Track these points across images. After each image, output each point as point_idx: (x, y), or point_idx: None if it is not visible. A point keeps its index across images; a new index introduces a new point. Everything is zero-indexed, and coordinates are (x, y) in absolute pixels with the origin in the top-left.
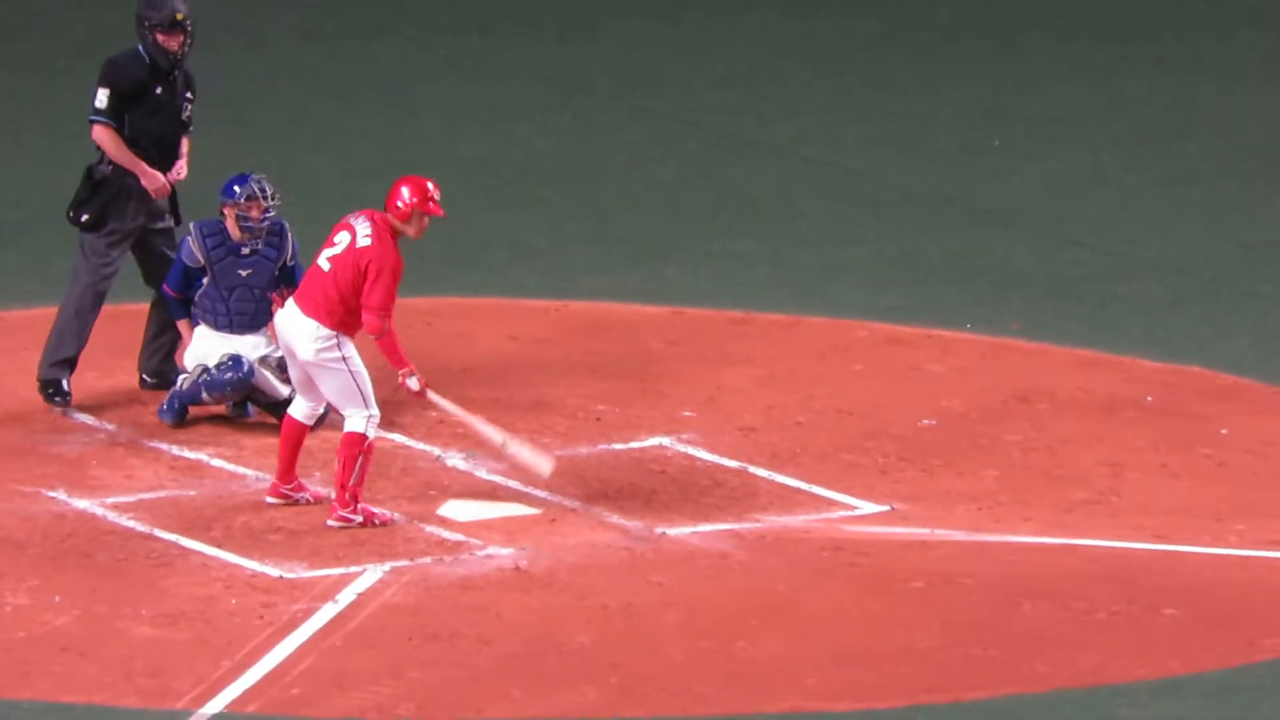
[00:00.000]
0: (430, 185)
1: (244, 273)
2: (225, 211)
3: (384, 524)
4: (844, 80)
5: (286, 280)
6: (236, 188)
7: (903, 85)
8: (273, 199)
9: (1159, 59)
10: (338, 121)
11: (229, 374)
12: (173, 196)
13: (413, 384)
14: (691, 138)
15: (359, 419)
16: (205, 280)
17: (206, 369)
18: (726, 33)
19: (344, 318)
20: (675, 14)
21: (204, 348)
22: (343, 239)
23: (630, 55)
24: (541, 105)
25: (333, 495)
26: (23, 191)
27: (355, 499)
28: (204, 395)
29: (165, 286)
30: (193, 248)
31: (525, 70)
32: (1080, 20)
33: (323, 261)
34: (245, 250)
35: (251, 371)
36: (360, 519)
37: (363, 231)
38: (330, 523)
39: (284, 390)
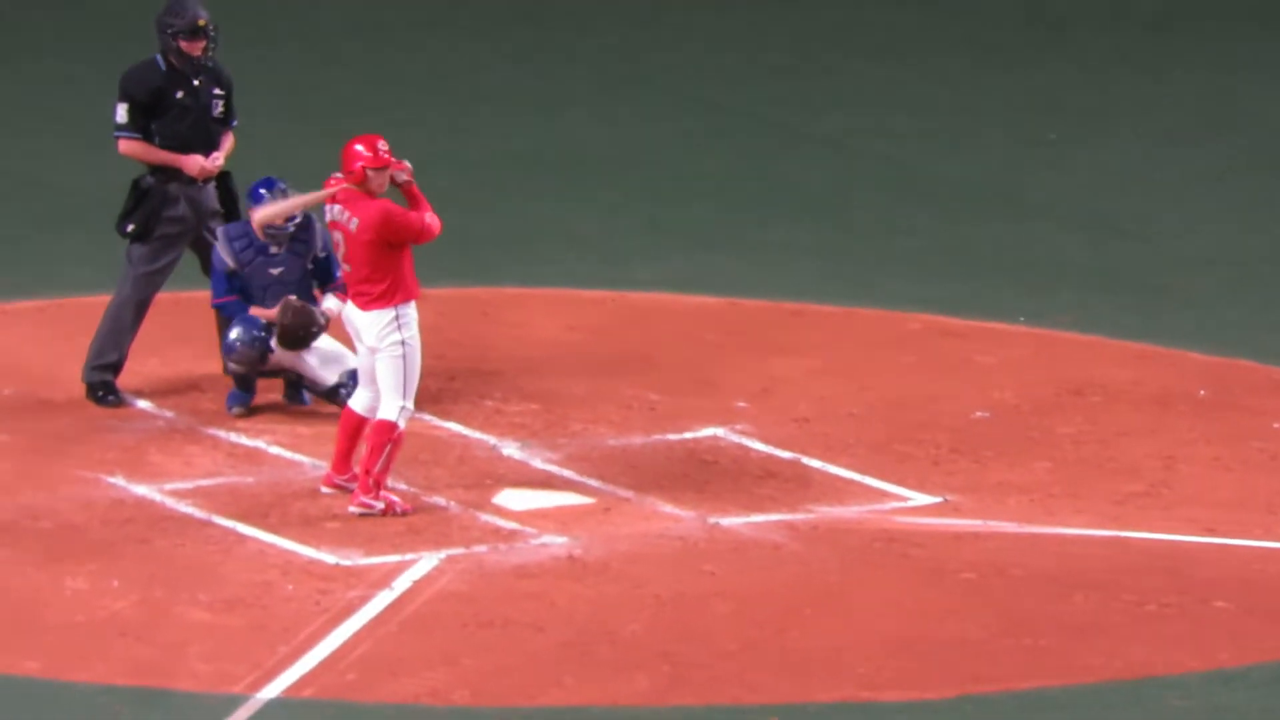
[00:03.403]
0: (380, 142)
1: (275, 271)
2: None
3: (405, 513)
4: (896, 72)
5: (322, 273)
6: (263, 191)
7: (955, 77)
8: None
9: (1208, 53)
10: (389, 113)
11: (239, 336)
12: (227, 192)
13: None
14: (744, 129)
15: (393, 408)
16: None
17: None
18: (779, 24)
19: (390, 290)
20: (728, 5)
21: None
22: (340, 238)
23: (683, 46)
24: (594, 96)
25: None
26: (80, 179)
27: (379, 485)
28: (231, 366)
29: (214, 302)
30: (222, 253)
31: (577, 61)
32: (1130, 13)
33: (344, 265)
34: (273, 250)
35: (266, 333)
36: (381, 505)
37: (346, 218)
38: (352, 509)
39: (329, 378)
